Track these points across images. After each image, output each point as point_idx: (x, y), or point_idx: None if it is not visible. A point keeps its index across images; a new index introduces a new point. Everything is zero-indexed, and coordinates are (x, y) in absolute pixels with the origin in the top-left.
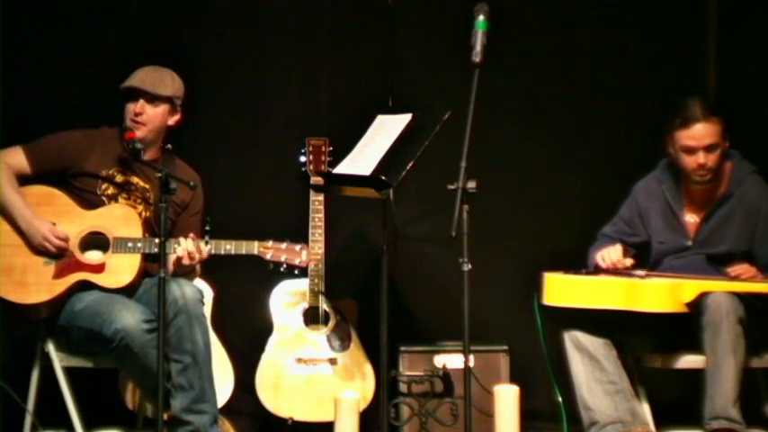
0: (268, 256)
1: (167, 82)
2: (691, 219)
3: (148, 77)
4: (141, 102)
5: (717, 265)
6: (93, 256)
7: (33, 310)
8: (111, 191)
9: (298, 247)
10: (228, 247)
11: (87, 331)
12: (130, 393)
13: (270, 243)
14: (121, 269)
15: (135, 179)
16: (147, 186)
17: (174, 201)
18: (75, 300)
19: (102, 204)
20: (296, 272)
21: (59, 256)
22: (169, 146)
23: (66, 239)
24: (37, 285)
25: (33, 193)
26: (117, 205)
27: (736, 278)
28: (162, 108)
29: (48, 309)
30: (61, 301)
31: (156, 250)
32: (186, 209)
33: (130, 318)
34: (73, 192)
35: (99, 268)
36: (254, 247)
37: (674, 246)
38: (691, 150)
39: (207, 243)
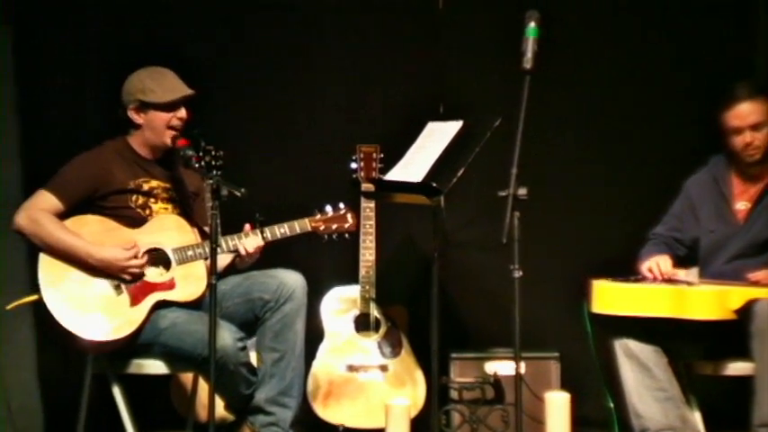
0: (321, 229)
1: None
2: (742, 206)
3: (180, 82)
4: (183, 109)
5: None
6: (156, 274)
7: (115, 344)
8: (140, 200)
9: (342, 212)
10: (283, 230)
11: (175, 348)
12: (180, 398)
13: (318, 216)
14: (192, 279)
15: (155, 182)
16: (167, 186)
17: (189, 190)
18: (155, 317)
19: (139, 217)
20: (346, 236)
21: (134, 280)
22: (210, 146)
23: (137, 254)
24: (120, 318)
25: (79, 225)
26: (161, 216)
27: (756, 283)
28: None
29: (131, 338)
30: (143, 327)
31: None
32: (200, 195)
33: (228, 337)
34: (106, 213)
35: (170, 285)
36: (307, 225)
37: (724, 234)
38: (737, 130)
39: (263, 232)
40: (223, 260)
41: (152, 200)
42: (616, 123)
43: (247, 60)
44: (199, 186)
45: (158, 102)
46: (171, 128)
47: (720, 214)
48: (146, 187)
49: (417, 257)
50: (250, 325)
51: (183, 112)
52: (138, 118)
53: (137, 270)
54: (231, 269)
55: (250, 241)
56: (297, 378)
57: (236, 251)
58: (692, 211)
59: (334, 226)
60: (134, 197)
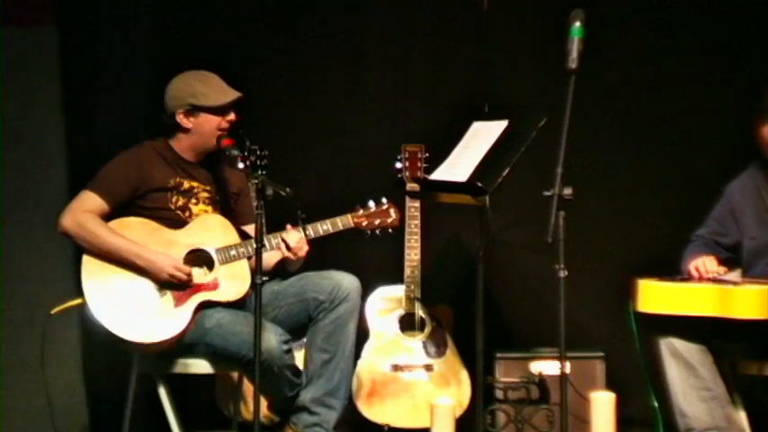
0: (363, 225)
1: None
2: None
3: (226, 84)
4: (233, 112)
5: None
6: (199, 274)
7: (160, 346)
8: (181, 201)
9: (385, 206)
10: (326, 227)
11: (220, 349)
12: (225, 398)
13: (360, 212)
14: (236, 279)
15: (195, 183)
16: (207, 187)
17: (231, 190)
18: (201, 317)
19: (179, 219)
20: (390, 231)
21: (180, 286)
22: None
23: (190, 274)
24: (165, 319)
25: (123, 227)
26: (204, 217)
27: None
28: None
29: (176, 339)
30: (189, 328)
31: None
32: (241, 194)
33: (273, 340)
34: (146, 213)
35: (213, 285)
36: (350, 221)
37: (766, 242)
38: None
39: (305, 230)
40: (267, 259)
41: (192, 200)
42: (661, 123)
43: (292, 60)
44: (241, 186)
45: (212, 105)
46: (220, 130)
47: (762, 221)
48: (186, 186)
49: (462, 257)
50: (302, 327)
51: (232, 116)
52: (187, 122)
53: (183, 280)
54: (280, 269)
55: (292, 236)
56: (344, 380)
57: (278, 249)
58: (732, 217)
59: (377, 221)
60: (174, 198)
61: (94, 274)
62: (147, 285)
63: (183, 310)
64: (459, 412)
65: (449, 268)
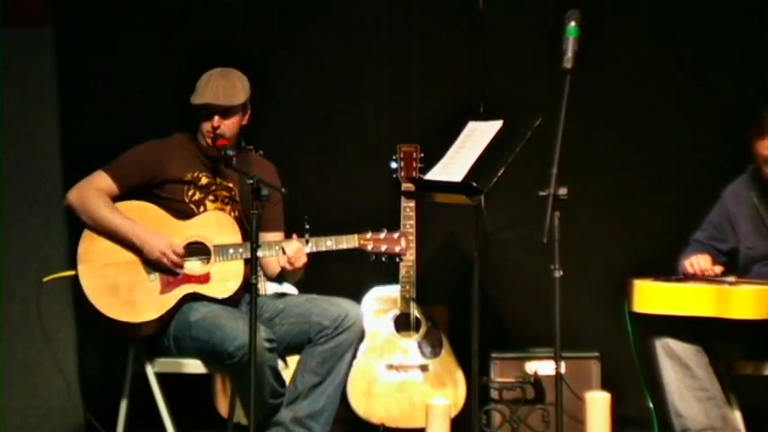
0: (369, 248)
1: (238, 87)
2: None
3: (220, 89)
4: (216, 118)
5: None
6: (195, 266)
7: (138, 329)
8: (197, 196)
9: (396, 235)
10: (329, 243)
11: (203, 342)
12: (222, 399)
13: (369, 235)
14: (227, 277)
15: (218, 179)
16: (230, 185)
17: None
18: (187, 309)
19: (191, 212)
20: (396, 259)
21: (169, 272)
22: (250, 146)
23: (182, 255)
24: (146, 302)
25: (128, 209)
26: (212, 212)
27: None
28: (236, 116)
29: (155, 326)
30: (170, 316)
31: (259, 254)
32: (269, 200)
33: (258, 335)
34: (161, 203)
35: (204, 279)
36: (355, 241)
37: (762, 252)
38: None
39: (308, 242)
40: (271, 266)
41: (210, 197)
42: (657, 123)
43: (288, 59)
44: (268, 192)
45: (192, 102)
46: (207, 132)
47: (758, 231)
48: (204, 181)
49: (458, 257)
50: (299, 347)
51: (215, 121)
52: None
53: (172, 263)
54: (281, 279)
55: (291, 246)
56: (330, 407)
57: (277, 254)
58: (729, 223)
59: (384, 247)
60: (190, 191)
61: (90, 249)
62: (138, 267)
63: (167, 297)
64: (454, 412)
65: (444, 268)
